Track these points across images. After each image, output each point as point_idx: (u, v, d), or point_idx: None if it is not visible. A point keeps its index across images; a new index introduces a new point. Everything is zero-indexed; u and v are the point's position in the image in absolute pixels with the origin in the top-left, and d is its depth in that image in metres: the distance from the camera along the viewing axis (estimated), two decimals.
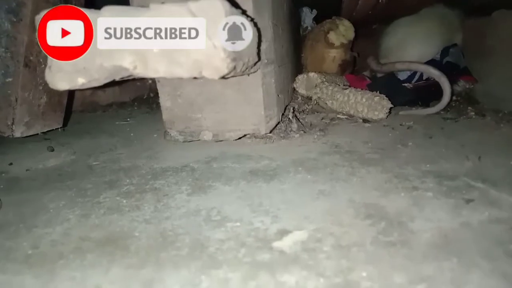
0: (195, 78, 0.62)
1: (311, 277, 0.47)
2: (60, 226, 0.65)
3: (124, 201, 0.73)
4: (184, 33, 0.57)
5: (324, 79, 1.48)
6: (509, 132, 1.03)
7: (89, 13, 0.59)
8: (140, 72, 0.60)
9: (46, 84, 0.98)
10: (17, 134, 0.93)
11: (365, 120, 1.25)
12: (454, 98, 1.48)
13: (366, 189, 0.72)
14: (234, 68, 0.61)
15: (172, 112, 0.95)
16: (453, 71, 1.52)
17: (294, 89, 1.51)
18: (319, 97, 1.40)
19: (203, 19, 0.55)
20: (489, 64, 1.39)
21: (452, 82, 1.49)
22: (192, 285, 0.47)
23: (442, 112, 1.32)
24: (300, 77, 1.50)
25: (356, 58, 1.79)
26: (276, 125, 1.02)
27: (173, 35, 0.57)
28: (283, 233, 0.57)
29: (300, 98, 1.51)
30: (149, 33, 0.58)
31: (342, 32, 1.67)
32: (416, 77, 1.57)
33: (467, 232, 0.55)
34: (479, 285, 0.44)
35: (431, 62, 1.55)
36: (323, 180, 0.77)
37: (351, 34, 1.68)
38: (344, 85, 1.48)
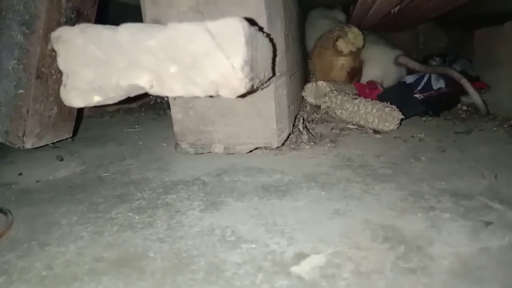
0: (210, 96, 0.61)
1: None
2: (73, 244, 0.64)
3: (137, 217, 0.73)
4: (202, 53, 0.56)
5: (333, 88, 1.47)
6: None
7: (105, 30, 0.58)
8: (157, 91, 0.60)
9: (57, 95, 0.98)
10: (28, 145, 0.93)
11: (375, 131, 1.24)
12: (465, 108, 1.47)
13: (382, 209, 0.71)
14: (252, 86, 0.60)
15: (184, 124, 0.94)
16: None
17: (302, 97, 1.50)
18: (328, 106, 1.39)
19: (221, 39, 0.55)
20: (499, 75, 1.38)
21: (464, 93, 1.49)
22: None
23: (453, 122, 1.31)
24: (309, 85, 1.49)
25: (362, 66, 1.78)
26: (288, 137, 1.01)
27: (190, 55, 0.56)
28: (300, 257, 0.57)
29: (309, 106, 1.50)
30: (166, 53, 0.57)
31: (351, 39, 1.66)
32: (423, 83, 1.56)
33: (486, 258, 0.54)
34: None
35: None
36: (337, 198, 0.76)
37: (360, 42, 1.68)
38: (353, 94, 1.47)
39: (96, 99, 0.61)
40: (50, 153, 1.14)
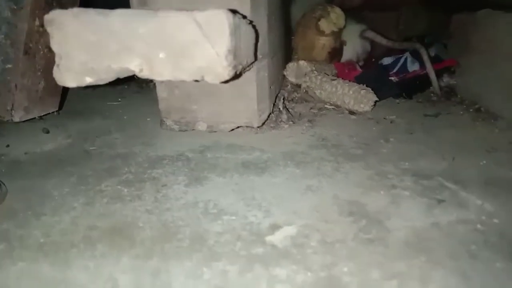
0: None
1: (300, 271, 0.54)
2: (67, 214, 0.70)
3: (125, 190, 0.78)
4: (189, 41, 0.60)
5: (314, 68, 1.53)
6: (483, 131, 1.11)
7: (98, 15, 0.62)
8: (146, 74, 0.64)
9: (44, 69, 1.01)
10: (16, 119, 0.96)
11: (351, 112, 1.31)
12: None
13: (349, 186, 0.78)
14: (235, 73, 0.65)
15: (169, 102, 0.98)
16: (437, 61, 1.59)
17: (284, 76, 1.55)
18: (308, 86, 1.44)
19: (208, 28, 0.59)
20: (471, 61, 1.46)
21: (438, 76, 1.56)
22: (196, 276, 0.53)
23: (424, 105, 1.39)
24: (290, 65, 1.54)
25: (343, 45, 1.83)
26: (268, 117, 1.07)
27: (178, 43, 0.61)
28: (274, 227, 0.64)
29: (290, 85, 1.55)
30: (156, 40, 0.61)
31: (333, 20, 1.70)
32: (399, 65, 1.63)
33: (436, 232, 0.62)
34: (442, 282, 0.52)
35: (415, 51, 1.62)
36: (311, 175, 0.83)
37: (342, 22, 1.71)
38: (332, 75, 1.53)
39: (88, 80, 0.65)
40: (35, 126, 1.16)
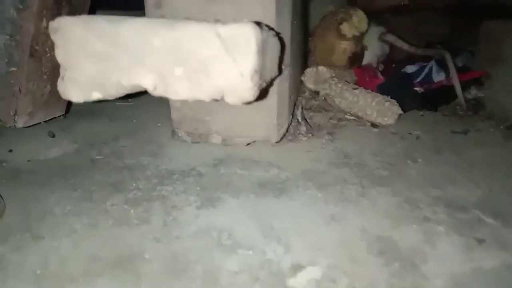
0: None
1: None
2: (68, 238, 0.64)
3: (132, 211, 0.72)
4: (210, 57, 0.53)
5: (334, 74, 1.45)
6: None
7: (108, 23, 0.55)
8: (159, 92, 0.57)
9: (50, 73, 0.94)
10: (20, 124, 0.90)
11: (373, 124, 1.23)
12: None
13: (377, 216, 0.71)
14: (259, 92, 0.58)
15: (181, 112, 0.92)
16: (464, 71, 1.50)
17: (301, 81, 1.47)
18: (327, 93, 1.37)
19: (232, 44, 0.52)
20: (503, 72, 1.37)
21: (464, 88, 1.48)
22: None
23: (450, 119, 1.31)
24: (309, 70, 1.47)
25: (364, 51, 1.75)
26: (287, 130, 1.00)
27: (197, 58, 0.54)
28: (296, 268, 0.57)
29: (307, 92, 1.48)
30: (173, 54, 0.54)
31: (355, 23, 1.61)
32: (423, 74, 1.55)
33: (479, 280, 0.55)
34: None
35: (441, 60, 1.54)
36: (334, 201, 0.76)
37: (364, 26, 1.63)
38: (353, 83, 1.45)
39: (95, 96, 0.59)
40: (41, 128, 1.10)
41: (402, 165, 0.94)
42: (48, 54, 0.88)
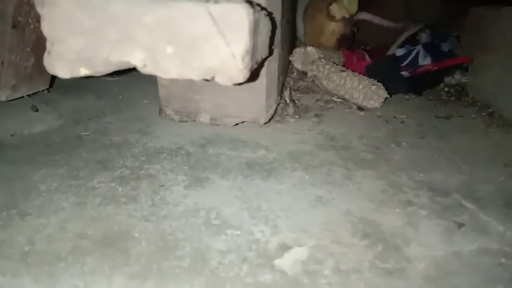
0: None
1: None
2: (55, 216, 0.63)
3: (120, 189, 0.72)
4: (201, 36, 0.52)
5: (322, 55, 1.45)
6: (498, 140, 1.05)
7: None
8: (149, 70, 0.56)
9: (34, 45, 0.91)
10: (2, 98, 0.88)
11: (359, 107, 1.24)
12: (446, 89, 1.49)
13: (362, 199, 0.73)
14: (250, 74, 0.58)
15: (170, 90, 0.90)
16: (451, 56, 1.52)
17: (290, 62, 1.47)
18: (315, 75, 1.37)
19: (224, 24, 0.51)
20: (487, 60, 1.39)
21: (449, 73, 1.50)
22: None
23: (434, 104, 1.33)
24: (297, 50, 1.46)
25: (355, 33, 1.74)
26: (275, 111, 1.00)
27: (189, 37, 0.53)
28: (283, 248, 0.58)
29: (295, 73, 1.47)
30: (164, 31, 0.53)
31: (345, 4, 1.60)
32: (410, 58, 1.56)
33: (459, 264, 0.58)
34: None
35: (431, 44, 1.56)
36: (320, 183, 0.78)
37: (354, 8, 1.62)
38: (341, 64, 1.46)
39: (83, 72, 0.57)
40: (24, 101, 1.07)
41: (387, 149, 0.96)
42: (32, 26, 0.85)
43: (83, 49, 0.55)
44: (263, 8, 0.61)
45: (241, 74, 0.53)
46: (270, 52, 0.72)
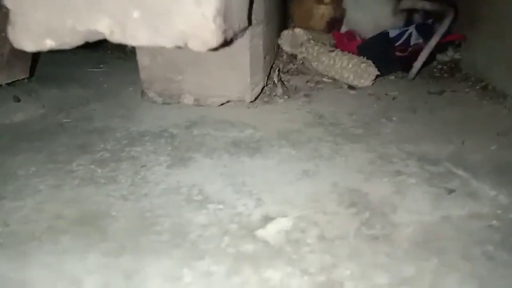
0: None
1: (295, 274, 0.47)
2: (31, 198, 0.61)
3: (99, 170, 0.70)
4: None
5: (310, 37, 1.42)
6: (491, 111, 1.03)
7: None
8: (117, 38, 0.54)
9: None
10: None
11: (350, 87, 1.22)
12: (439, 67, 1.46)
13: (350, 171, 0.71)
14: (225, 39, 0.55)
15: (151, 71, 0.88)
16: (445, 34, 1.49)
17: (279, 45, 1.44)
18: (304, 57, 1.34)
19: None
20: (478, 32, 1.36)
21: (441, 50, 1.47)
22: (174, 278, 0.46)
23: (427, 81, 1.31)
24: (285, 33, 1.43)
25: (343, 15, 1.71)
26: (262, 90, 0.98)
27: (156, 0, 0.51)
28: (266, 219, 0.57)
29: (285, 55, 1.45)
30: None
31: None
32: (403, 38, 1.53)
33: (447, 228, 0.56)
34: None
35: (422, 25, 1.52)
36: (307, 158, 0.76)
37: None
38: (330, 46, 1.43)
39: (49, 43, 0.55)
40: (4, 92, 1.05)
41: (377, 124, 0.94)
42: (5, 9, 0.82)
43: (48, 19, 0.53)
44: None
45: (214, 36, 0.51)
46: (249, 22, 0.70)
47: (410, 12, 1.74)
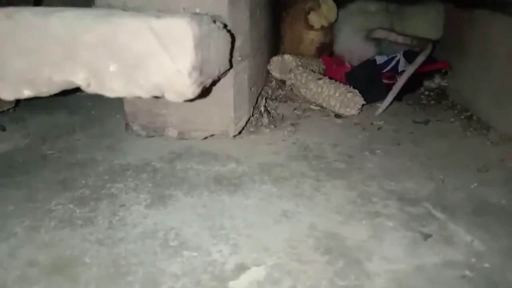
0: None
1: None
2: (6, 243, 0.61)
3: (78, 211, 0.69)
4: (145, 53, 0.51)
5: (299, 63, 1.43)
6: (475, 144, 1.04)
7: (36, 18, 0.51)
8: (94, 89, 0.55)
9: None
10: None
11: (337, 115, 1.23)
12: (426, 93, 1.48)
13: (329, 212, 0.71)
14: (202, 89, 0.56)
15: (135, 105, 0.89)
16: (430, 62, 1.50)
17: (268, 71, 1.45)
18: (293, 83, 1.36)
19: (167, 39, 0.49)
20: (464, 63, 1.38)
21: (428, 77, 1.49)
22: None
23: (414, 108, 1.32)
24: (275, 59, 1.44)
25: (333, 41, 1.73)
26: (246, 122, 0.98)
27: (132, 54, 0.51)
28: (240, 269, 0.56)
29: (274, 81, 1.46)
30: (106, 49, 0.51)
31: (324, 13, 1.59)
32: (391, 66, 1.54)
33: (420, 279, 0.56)
34: None
35: (409, 52, 1.53)
36: (288, 196, 0.76)
37: (333, 16, 1.61)
38: (320, 72, 1.45)
39: (27, 93, 0.55)
40: None
41: (360, 157, 0.94)
42: None
43: (25, 69, 0.53)
44: (215, 21, 0.59)
45: (189, 90, 0.52)
46: (231, 65, 0.71)
47: (380, 41, 1.72)
